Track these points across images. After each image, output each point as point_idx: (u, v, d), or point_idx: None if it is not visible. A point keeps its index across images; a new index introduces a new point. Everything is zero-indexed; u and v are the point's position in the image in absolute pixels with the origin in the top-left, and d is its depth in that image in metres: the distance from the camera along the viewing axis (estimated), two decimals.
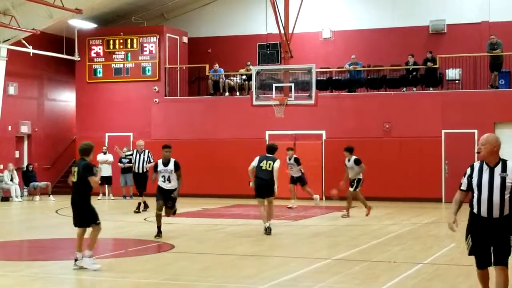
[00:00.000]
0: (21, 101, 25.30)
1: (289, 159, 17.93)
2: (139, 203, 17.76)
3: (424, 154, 21.48)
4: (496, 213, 5.93)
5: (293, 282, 7.98)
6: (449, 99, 21.30)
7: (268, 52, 23.14)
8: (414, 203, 19.73)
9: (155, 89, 24.70)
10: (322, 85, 22.80)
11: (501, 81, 21.27)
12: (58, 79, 27.04)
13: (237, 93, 24.43)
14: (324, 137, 22.26)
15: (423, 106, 21.45)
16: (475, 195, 6.06)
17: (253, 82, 20.63)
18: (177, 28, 26.25)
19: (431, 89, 22.22)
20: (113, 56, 25.37)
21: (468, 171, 6.17)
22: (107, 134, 24.65)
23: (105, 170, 23.65)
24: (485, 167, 6.03)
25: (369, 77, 23.64)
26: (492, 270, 6.11)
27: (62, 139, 26.96)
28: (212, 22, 26.55)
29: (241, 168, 21.82)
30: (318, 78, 21.84)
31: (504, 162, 6.01)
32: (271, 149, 13.08)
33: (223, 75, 24.61)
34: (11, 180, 23.10)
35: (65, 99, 27.65)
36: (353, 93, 23.03)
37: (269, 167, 12.55)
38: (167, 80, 25.11)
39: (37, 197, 23.45)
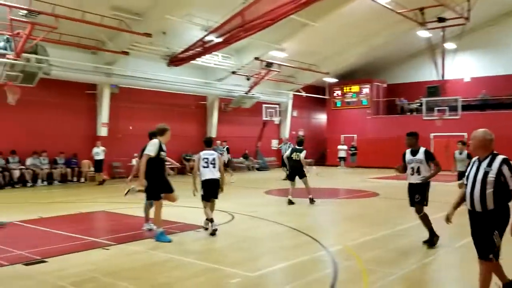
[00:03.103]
0: (300, 119, 30.65)
1: (460, 153, 11.82)
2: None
3: None
4: (478, 207, 4.45)
5: None
6: None
7: (433, 90, 26.39)
8: None
9: (368, 112, 29.00)
10: (470, 107, 24.55)
11: None
12: (316, 108, 31.93)
13: (414, 113, 27.42)
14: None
15: None
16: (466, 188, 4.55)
17: (423, 106, 25.03)
18: (380, 79, 29.93)
19: None
20: (346, 95, 30.20)
21: (470, 164, 4.64)
22: (342, 136, 28.98)
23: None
24: (476, 161, 4.61)
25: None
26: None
27: (318, 137, 31.42)
28: (402, 71, 29.50)
29: None
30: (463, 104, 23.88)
31: (493, 157, 4.45)
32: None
33: (407, 103, 28.36)
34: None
35: (321, 117, 32.50)
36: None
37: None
38: (375, 107, 29.32)
39: (307, 167, 23.77)
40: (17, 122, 17.85)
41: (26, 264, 6.37)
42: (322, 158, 30.45)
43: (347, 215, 10.75)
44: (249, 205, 11.67)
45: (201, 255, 7.02)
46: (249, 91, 24.52)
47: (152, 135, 8.31)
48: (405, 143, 7.46)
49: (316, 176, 20.51)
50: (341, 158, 28.17)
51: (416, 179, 7.39)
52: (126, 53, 18.77)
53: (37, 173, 18.01)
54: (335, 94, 30.38)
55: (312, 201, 11.80)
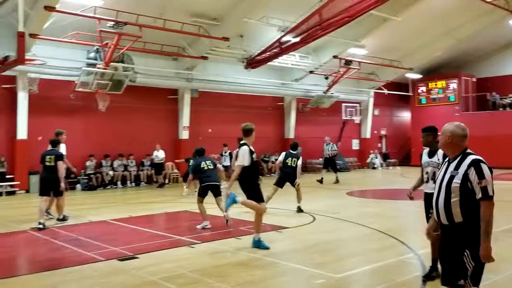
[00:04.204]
0: (382, 118, 30.10)
1: None
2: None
3: None
4: (443, 218, 3.48)
5: None
6: None
7: None
8: None
9: (456, 108, 27.64)
10: None
11: None
12: (399, 106, 30.96)
13: (508, 108, 26.72)
14: None
15: None
16: None
17: None
18: (469, 73, 28.91)
19: None
20: (431, 91, 29.23)
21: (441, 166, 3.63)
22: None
23: None
24: (446, 162, 3.64)
25: None
26: None
27: (402, 137, 31.26)
28: (492, 64, 28.67)
29: None
30: None
31: (463, 158, 3.48)
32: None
33: (499, 98, 27.42)
34: (376, 158, 27.27)
35: (404, 115, 31.63)
36: None
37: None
38: (464, 103, 28.03)
39: (391, 167, 27.18)
40: (107, 128, 19.14)
41: (121, 260, 6.81)
42: (406, 158, 30.11)
43: None
44: (331, 206, 11.73)
45: (284, 255, 7.12)
46: (327, 90, 24.42)
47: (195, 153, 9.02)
48: (421, 141, 5.74)
49: (401, 177, 20.78)
50: None
51: (431, 188, 5.41)
52: (205, 58, 19.48)
53: (125, 175, 19.10)
54: (419, 91, 29.77)
55: (299, 210, 10.98)
